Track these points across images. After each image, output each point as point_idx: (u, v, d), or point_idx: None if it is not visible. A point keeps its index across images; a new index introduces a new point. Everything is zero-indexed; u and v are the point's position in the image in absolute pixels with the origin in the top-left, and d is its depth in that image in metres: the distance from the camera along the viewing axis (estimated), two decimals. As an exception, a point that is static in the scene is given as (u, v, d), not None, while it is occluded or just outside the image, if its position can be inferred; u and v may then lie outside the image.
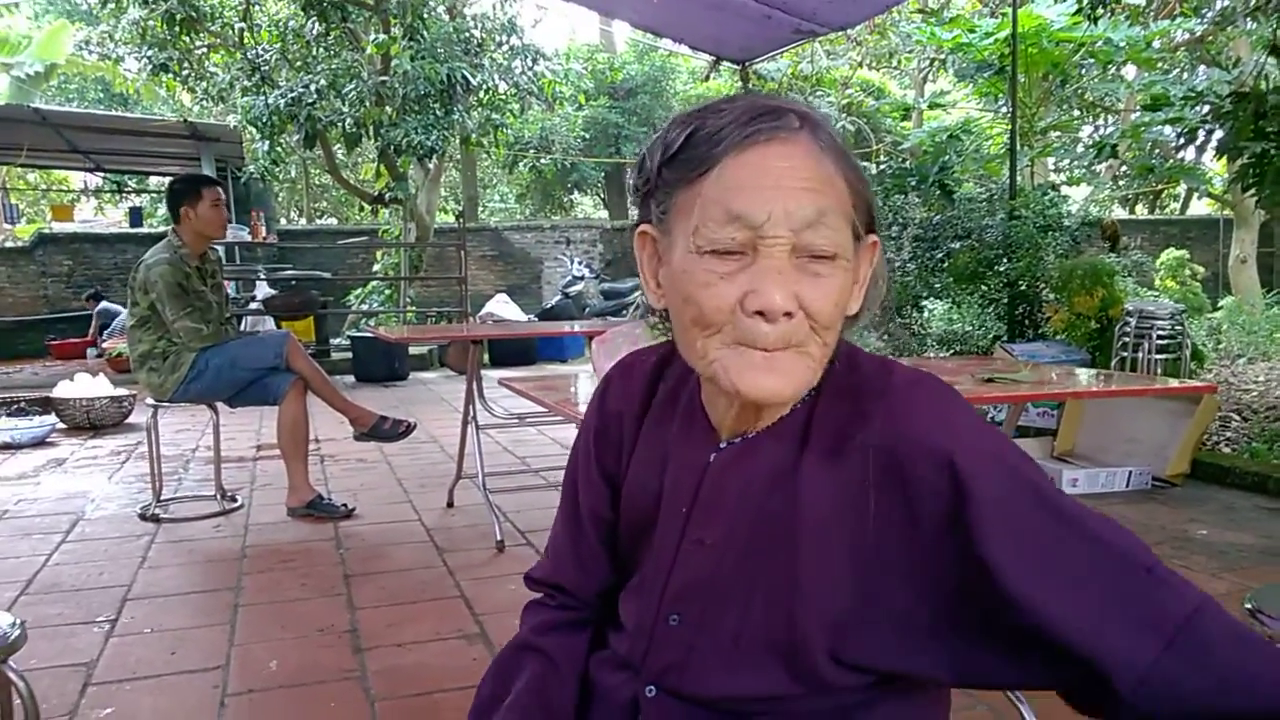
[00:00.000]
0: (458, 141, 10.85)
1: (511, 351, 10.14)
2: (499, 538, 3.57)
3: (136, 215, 13.43)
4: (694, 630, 0.92)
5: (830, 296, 0.82)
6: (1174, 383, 3.89)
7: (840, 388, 0.89)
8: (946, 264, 6.67)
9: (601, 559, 1.07)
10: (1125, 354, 5.06)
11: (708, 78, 12.84)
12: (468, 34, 10.38)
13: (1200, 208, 17.21)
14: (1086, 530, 0.80)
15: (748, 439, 0.91)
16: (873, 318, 0.91)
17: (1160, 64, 10.90)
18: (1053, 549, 0.79)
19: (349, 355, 9.57)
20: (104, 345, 10.47)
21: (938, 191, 7.19)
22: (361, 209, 15.84)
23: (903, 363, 0.95)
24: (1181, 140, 7.35)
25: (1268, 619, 1.49)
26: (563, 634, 1.08)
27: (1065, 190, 9.60)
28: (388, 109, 9.64)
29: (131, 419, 6.48)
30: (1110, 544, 0.80)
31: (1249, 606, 1.53)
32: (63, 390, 6.34)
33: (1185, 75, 11.24)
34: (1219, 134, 5.78)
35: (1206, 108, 6.16)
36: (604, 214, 18.85)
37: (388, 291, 11.57)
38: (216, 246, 4.51)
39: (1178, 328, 5.07)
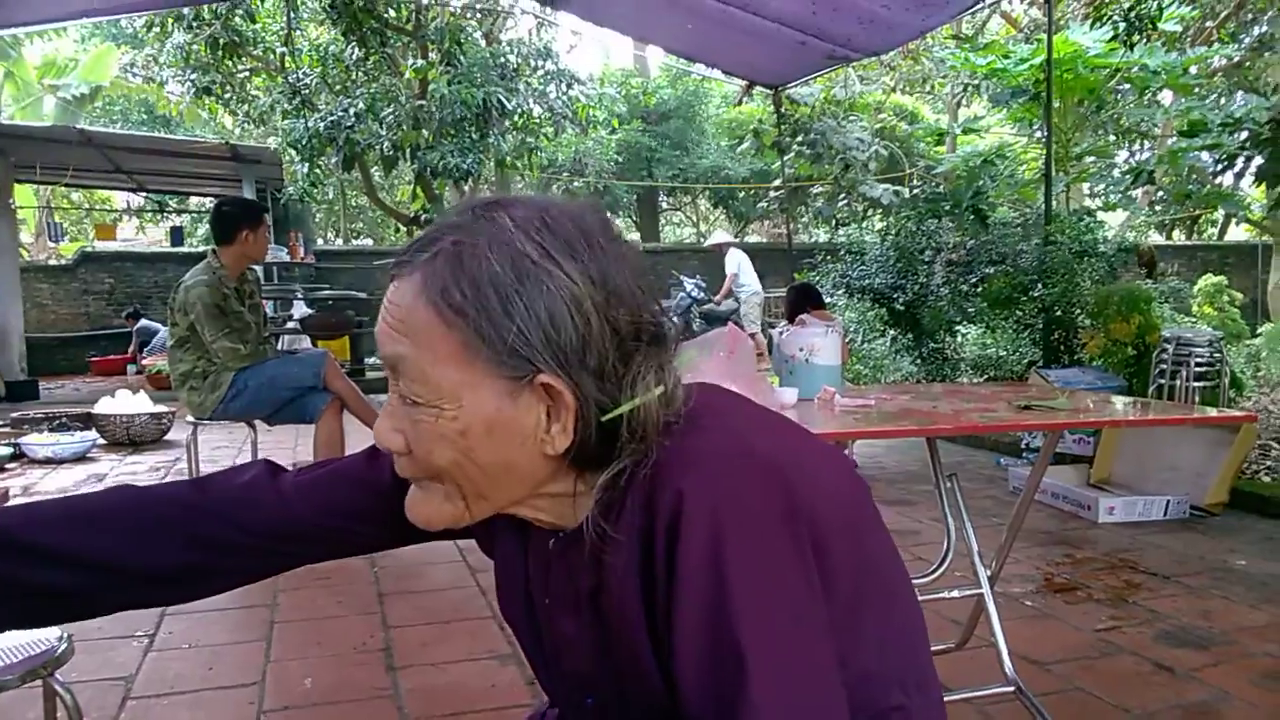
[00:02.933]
0: (493, 164, 10.98)
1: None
2: (531, 559, 3.58)
3: (177, 235, 13.68)
4: (608, 710, 0.91)
5: (423, 442, 0.80)
6: (1213, 411, 3.85)
7: (629, 478, 0.81)
8: (981, 289, 6.64)
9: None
10: (1163, 381, 5.00)
11: (740, 102, 12.93)
12: (504, 59, 10.52)
13: (1238, 233, 16.99)
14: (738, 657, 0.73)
15: (567, 534, 0.87)
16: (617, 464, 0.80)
17: (1197, 90, 10.81)
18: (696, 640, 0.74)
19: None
20: (144, 362, 10.65)
21: (972, 216, 7.17)
22: (397, 230, 16.03)
23: (707, 396, 0.86)
24: (1219, 166, 7.30)
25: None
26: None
27: (1101, 216, 9.51)
28: (425, 132, 9.78)
29: (170, 435, 6.58)
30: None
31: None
32: (104, 406, 6.46)
33: (1223, 101, 11.14)
34: (1258, 160, 5.74)
35: (1245, 134, 6.12)
36: (635, 236, 18.95)
37: (421, 312, 11.66)
38: (254, 267, 4.59)
39: (1216, 355, 5.00)
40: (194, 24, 9.86)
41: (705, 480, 0.76)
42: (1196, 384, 4.91)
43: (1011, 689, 2.34)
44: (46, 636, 1.67)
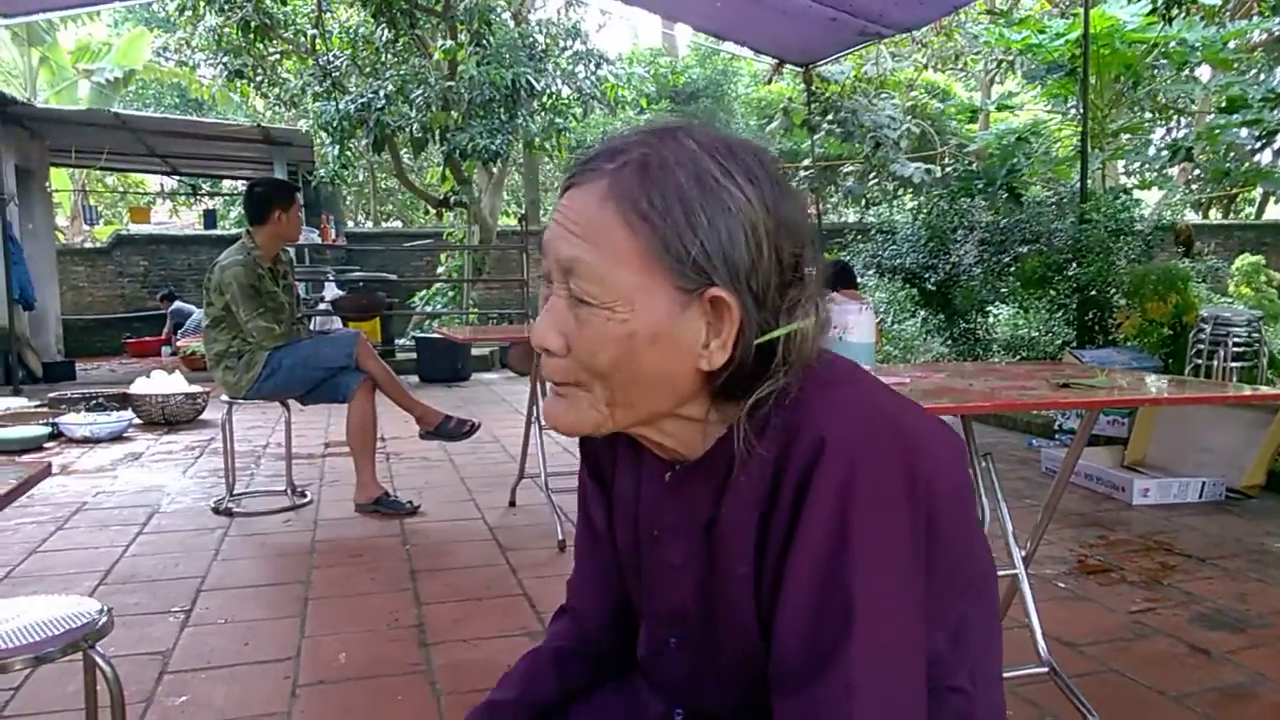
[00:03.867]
0: (521, 145, 10.95)
1: (573, 353, 10.19)
2: (560, 537, 3.60)
3: (210, 217, 13.80)
4: (691, 651, 0.94)
5: (588, 342, 0.82)
6: (1250, 390, 3.78)
7: (769, 405, 0.84)
8: (1014, 268, 6.57)
9: (612, 575, 1.08)
10: (1199, 361, 4.93)
11: (770, 80, 12.80)
12: (532, 40, 10.49)
13: (1277, 212, 16.66)
14: (848, 607, 0.77)
15: (690, 465, 0.90)
16: (784, 382, 0.83)
17: (1237, 65, 10.58)
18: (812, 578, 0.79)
19: (413, 356, 9.72)
20: (178, 344, 10.78)
21: (1005, 195, 7.09)
22: (427, 212, 16.09)
23: (844, 363, 0.90)
24: (1259, 143, 7.15)
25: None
26: (567, 657, 1.11)
27: (1137, 194, 9.36)
28: (454, 114, 9.78)
29: (205, 415, 6.67)
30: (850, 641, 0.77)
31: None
32: (139, 387, 6.55)
33: (1263, 77, 10.89)
34: (1300, 136, 5.62)
35: (1287, 109, 5.99)
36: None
37: (451, 293, 11.73)
38: (287, 249, 4.62)
39: (1254, 334, 4.92)
40: (225, 7, 9.91)
41: (845, 433, 0.79)
42: (1234, 364, 4.83)
43: (1045, 670, 2.32)
44: (86, 609, 1.70)
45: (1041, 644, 2.34)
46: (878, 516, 0.78)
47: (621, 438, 0.96)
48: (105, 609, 1.71)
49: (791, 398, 0.82)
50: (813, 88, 9.41)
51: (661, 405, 0.85)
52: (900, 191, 13.77)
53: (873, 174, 13.29)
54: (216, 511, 4.17)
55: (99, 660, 1.70)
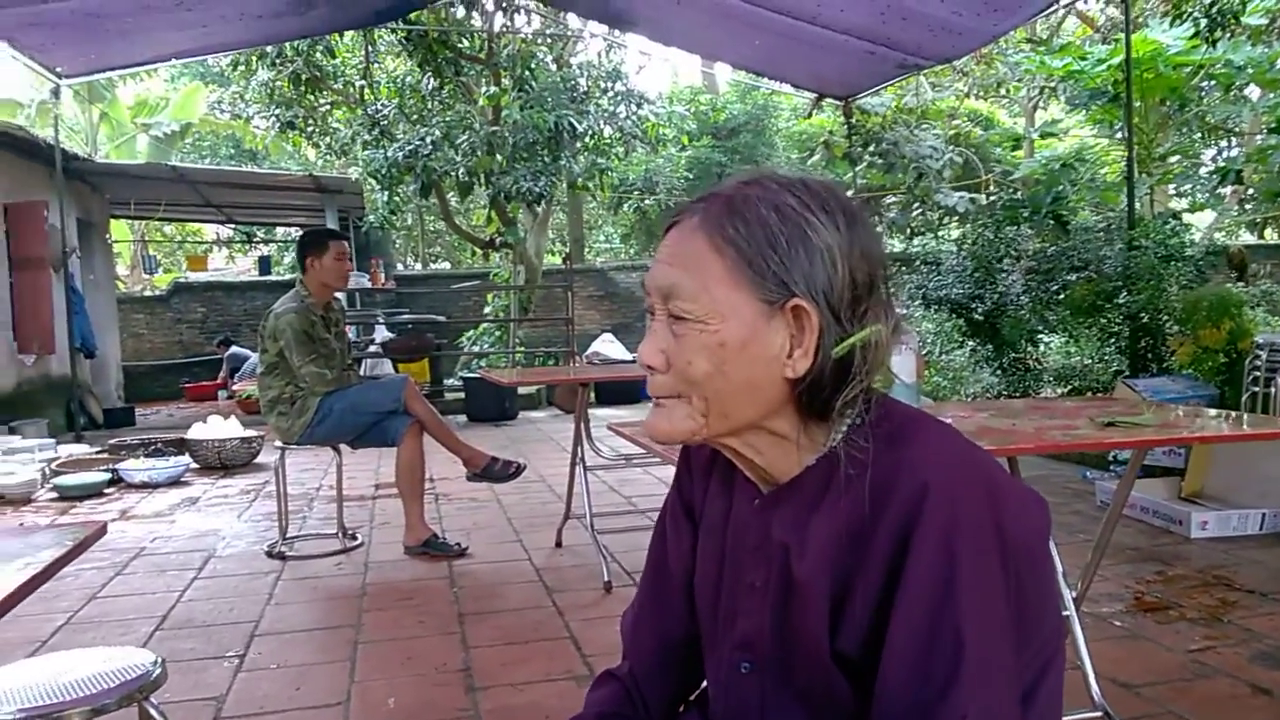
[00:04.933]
0: (564, 186, 11.10)
1: (618, 391, 10.24)
2: (606, 578, 3.61)
3: (265, 264, 14.12)
4: (762, 676, 0.98)
5: (685, 354, 0.91)
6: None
7: (862, 438, 0.92)
8: (1063, 296, 6.47)
9: (672, 613, 1.12)
10: (1256, 389, 4.81)
11: (810, 115, 12.84)
12: (574, 83, 10.65)
13: (1337, 231, 16.23)
14: (957, 644, 0.83)
15: (780, 487, 0.97)
16: (863, 389, 0.92)
17: (1288, 84, 10.39)
18: (919, 621, 0.84)
19: (461, 395, 9.83)
20: (235, 388, 11.01)
21: (1051, 222, 7.01)
22: (473, 253, 16.30)
23: (942, 407, 1.00)
24: (1314, 163, 7.01)
25: None
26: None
27: (1188, 217, 9.22)
28: (498, 157, 9.94)
29: (260, 459, 6.80)
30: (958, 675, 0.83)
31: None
32: (196, 432, 6.70)
33: (1317, 95, 10.68)
34: (1355, 156, 5.50)
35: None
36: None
37: (498, 333, 11.86)
38: (339, 296, 4.73)
39: (1314, 361, 4.79)
40: (277, 61, 10.22)
41: (946, 481, 0.86)
42: (1293, 391, 4.70)
43: (1100, 715, 2.28)
44: (141, 661, 1.74)
45: (1095, 687, 2.30)
46: (979, 563, 0.84)
47: (718, 464, 1.06)
48: (159, 660, 1.75)
49: (885, 432, 0.91)
50: (853, 120, 9.43)
51: (752, 413, 0.93)
52: (945, 221, 13.67)
53: (916, 204, 13.22)
54: (270, 555, 4.24)
55: (153, 712, 1.74)
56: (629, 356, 11.31)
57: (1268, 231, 16.46)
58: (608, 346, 11.46)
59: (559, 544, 4.26)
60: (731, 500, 1.04)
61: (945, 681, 0.82)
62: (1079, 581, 2.55)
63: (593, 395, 9.76)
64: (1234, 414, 3.44)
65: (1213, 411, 3.27)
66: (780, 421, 0.94)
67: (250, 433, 6.80)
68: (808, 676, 0.93)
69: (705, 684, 1.13)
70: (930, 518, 0.84)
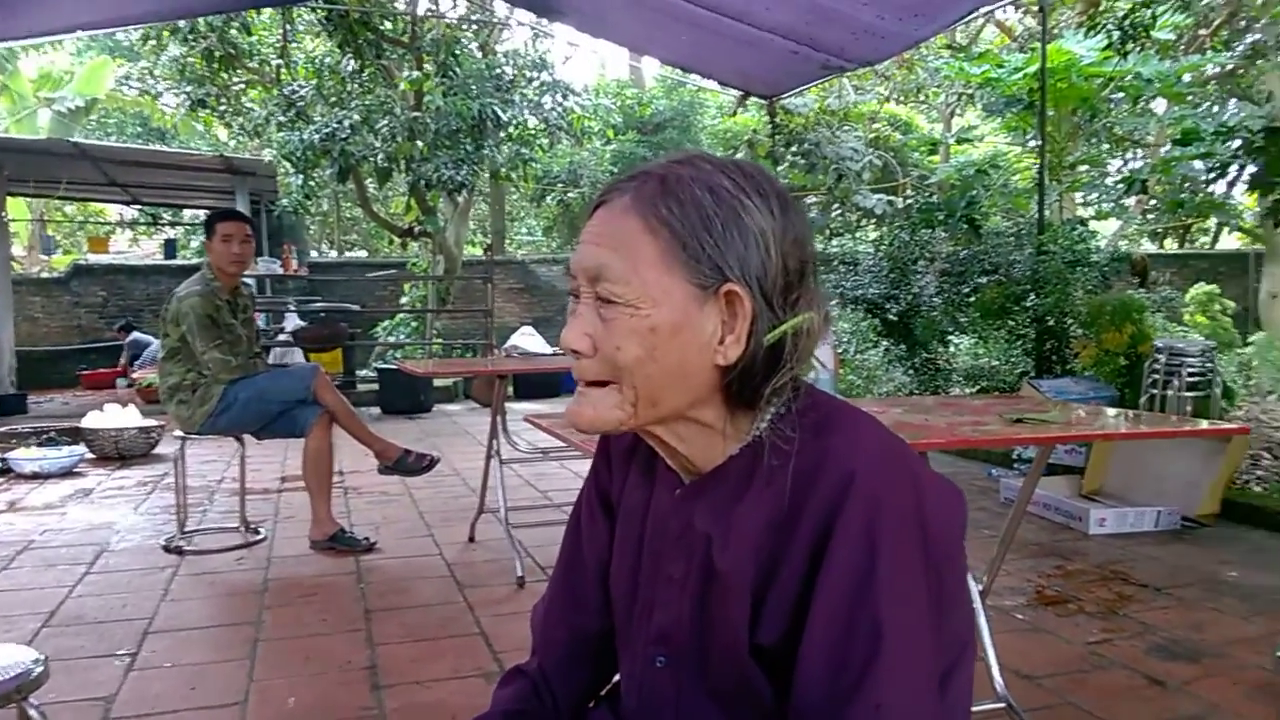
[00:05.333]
0: (487, 175, 10.97)
1: (536, 384, 10.16)
2: (520, 573, 3.56)
3: (171, 247, 13.65)
4: (678, 670, 0.96)
5: (613, 339, 0.88)
6: (1204, 423, 3.82)
7: (788, 427, 0.91)
8: (974, 299, 6.63)
9: (583, 606, 1.09)
10: (1155, 391, 4.98)
11: (735, 112, 12.94)
12: (499, 71, 10.53)
13: (1230, 242, 17.01)
14: (875, 641, 0.82)
15: (703, 477, 0.95)
16: (796, 375, 0.91)
17: (1191, 98, 10.81)
18: (836, 619, 0.84)
19: (375, 386, 9.63)
20: (134, 375, 10.60)
21: (965, 226, 7.16)
22: (391, 242, 16.02)
23: (856, 404, 0.99)
24: (1212, 174, 7.30)
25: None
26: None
27: (1094, 225, 9.52)
28: (419, 144, 9.77)
29: (159, 449, 6.55)
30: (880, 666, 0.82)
31: None
32: (92, 420, 6.42)
33: (1216, 109, 11.15)
34: (1250, 168, 5.73)
35: (1238, 142, 6.12)
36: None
37: (415, 323, 11.66)
38: (249, 281, 4.57)
39: (1208, 365, 4.98)
40: (190, 37, 9.88)
41: (871, 472, 0.86)
42: (1188, 394, 4.88)
43: (1002, 705, 2.32)
44: (21, 659, 1.64)
45: (998, 678, 2.33)
46: (901, 553, 0.84)
47: (638, 453, 1.03)
48: (42, 658, 1.65)
49: (811, 421, 0.90)
50: (777, 120, 9.50)
51: (681, 401, 0.90)
52: (863, 222, 13.91)
53: (836, 205, 13.42)
54: (167, 550, 4.08)
55: (33, 713, 1.64)
56: (549, 350, 11.23)
57: (1168, 241, 17.17)
58: (527, 340, 11.37)
59: (472, 539, 4.18)
60: (652, 490, 1.02)
61: (862, 670, 0.81)
62: (985, 575, 2.59)
63: (511, 388, 9.67)
64: (1133, 413, 3.55)
65: (1112, 411, 3.37)
66: (707, 410, 0.92)
67: (149, 422, 6.55)
68: (725, 670, 0.91)
69: (616, 679, 1.11)
70: (853, 506, 0.84)
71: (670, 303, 0.86)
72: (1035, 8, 6.97)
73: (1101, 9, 8.16)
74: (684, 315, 0.87)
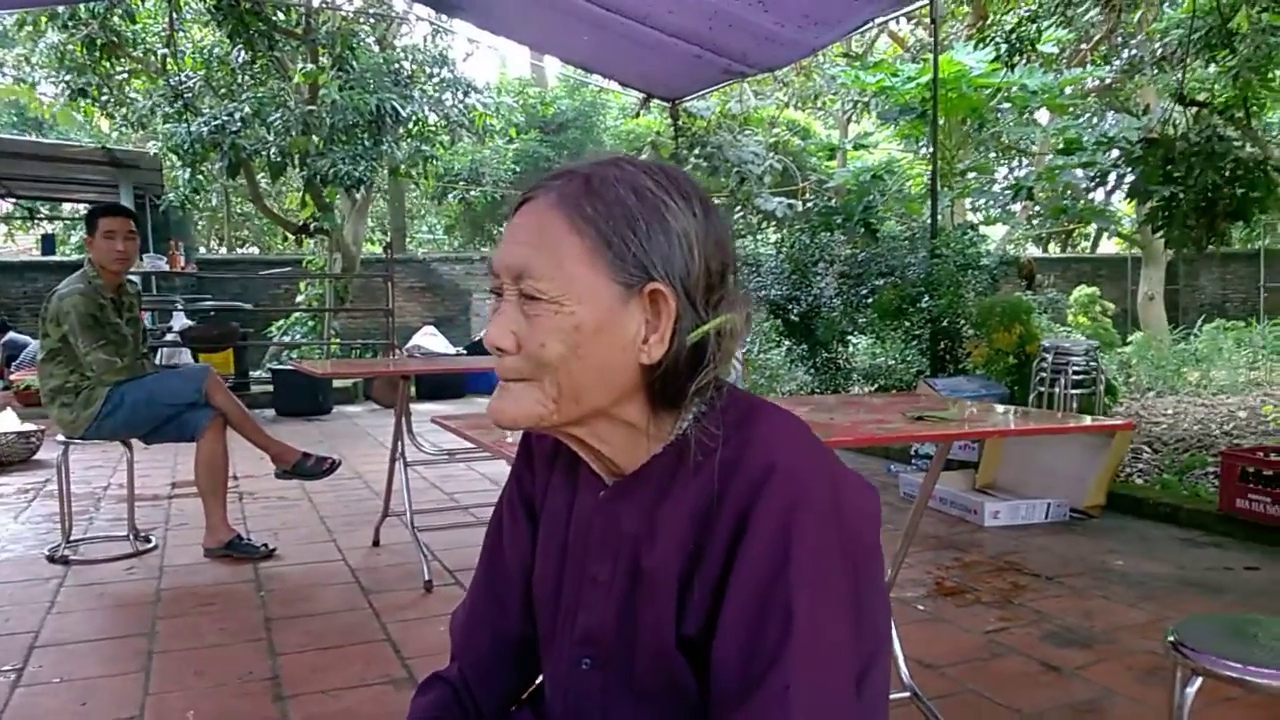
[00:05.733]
0: (386, 172, 10.76)
1: (440, 385, 10.01)
2: (427, 577, 3.49)
3: (49, 243, 12.94)
4: (604, 671, 0.96)
5: (538, 336, 0.88)
6: (1091, 420, 4.00)
7: (713, 424, 0.92)
8: (871, 300, 6.81)
9: (505, 610, 1.09)
10: (1042, 389, 5.20)
11: (638, 114, 12.98)
12: (398, 65, 10.35)
13: (1109, 246, 17.87)
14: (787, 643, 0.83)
15: (626, 478, 0.96)
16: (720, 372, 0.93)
17: (1072, 110, 11.34)
18: (751, 610, 0.85)
19: (270, 388, 9.34)
20: (12, 378, 10.03)
21: (862, 229, 7.35)
22: (285, 239, 15.56)
23: (774, 402, 1.00)
24: (1093, 182, 7.66)
25: (1190, 651, 1.53)
26: None
27: (983, 230, 9.89)
28: (314, 138, 9.52)
29: (40, 455, 6.22)
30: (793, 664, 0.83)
31: (1171, 639, 1.57)
32: (-35, 425, 6.06)
33: (1096, 121, 11.71)
34: (1129, 177, 6.03)
35: (1116, 152, 6.43)
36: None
37: (311, 323, 11.36)
38: (134, 278, 4.37)
39: (1092, 363, 5.23)
40: (69, 23, 9.40)
41: (790, 464, 0.87)
42: (1074, 391, 5.12)
43: (908, 694, 2.38)
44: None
45: (904, 669, 2.40)
46: (817, 541, 0.85)
47: (560, 456, 1.03)
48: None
49: (733, 418, 0.91)
50: (679, 122, 9.58)
51: (603, 399, 0.90)
52: (764, 225, 14.14)
53: (738, 208, 13.62)
54: (51, 560, 3.87)
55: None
56: (451, 350, 11.08)
57: (1052, 245, 17.94)
58: (430, 340, 11.19)
59: (376, 543, 4.10)
60: (575, 493, 1.01)
61: (773, 654, 0.82)
62: (889, 568, 2.66)
63: (413, 389, 9.51)
64: (1023, 410, 3.70)
65: (1000, 407, 3.50)
66: (630, 409, 0.92)
67: (29, 426, 6.22)
68: (651, 670, 0.91)
69: (538, 682, 1.10)
70: (772, 493, 0.85)
71: (595, 300, 0.87)
72: (928, 20, 7.18)
73: (990, 22, 8.46)
74: (608, 313, 0.87)
